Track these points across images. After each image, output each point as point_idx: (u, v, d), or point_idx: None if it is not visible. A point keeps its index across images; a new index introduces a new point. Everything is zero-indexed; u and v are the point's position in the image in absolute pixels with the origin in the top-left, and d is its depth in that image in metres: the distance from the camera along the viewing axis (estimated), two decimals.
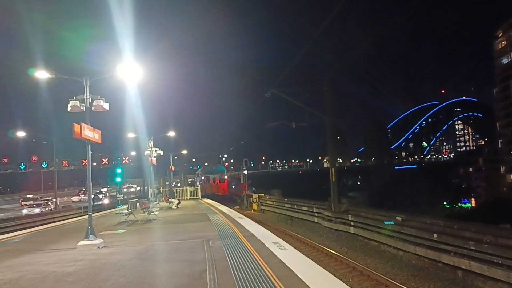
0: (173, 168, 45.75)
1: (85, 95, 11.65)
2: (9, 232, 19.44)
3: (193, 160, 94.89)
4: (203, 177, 61.86)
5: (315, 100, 28.26)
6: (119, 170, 37.49)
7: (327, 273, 7.76)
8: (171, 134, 38.26)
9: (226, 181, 58.73)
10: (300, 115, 26.38)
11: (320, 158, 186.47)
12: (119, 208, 24.83)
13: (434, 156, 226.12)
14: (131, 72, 12.16)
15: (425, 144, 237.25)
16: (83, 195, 62.70)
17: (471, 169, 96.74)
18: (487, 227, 12.99)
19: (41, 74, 11.83)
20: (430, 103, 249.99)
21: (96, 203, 41.29)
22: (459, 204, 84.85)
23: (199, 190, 42.61)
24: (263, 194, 39.28)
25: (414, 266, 14.27)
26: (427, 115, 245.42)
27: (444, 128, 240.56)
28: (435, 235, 13.70)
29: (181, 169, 68.92)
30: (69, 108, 11.58)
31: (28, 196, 61.51)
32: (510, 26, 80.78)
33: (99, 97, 11.83)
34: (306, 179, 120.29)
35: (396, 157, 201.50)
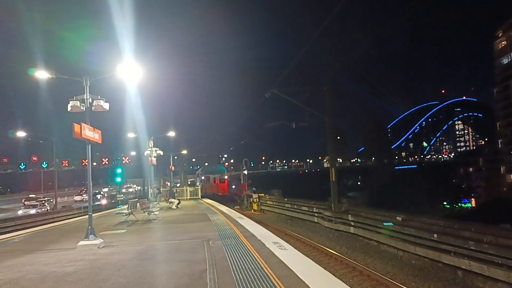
0: (173, 168, 45.77)
1: (85, 95, 11.65)
2: (9, 232, 19.42)
3: (193, 160, 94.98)
4: (203, 177, 61.85)
5: (315, 100, 28.28)
6: (119, 170, 37.52)
7: (327, 273, 7.76)
8: (171, 134, 38.28)
9: (226, 181, 58.73)
10: (300, 115, 26.41)
11: (320, 158, 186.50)
12: (119, 208, 24.83)
13: (434, 156, 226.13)
14: (131, 72, 12.17)
15: (425, 144, 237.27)
16: (85, 195, 62.59)
17: (471, 169, 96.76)
18: (487, 227, 12.98)
19: (41, 74, 11.83)
20: (430, 103, 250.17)
21: (95, 203, 41.15)
22: (459, 204, 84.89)
23: (199, 190, 42.64)
24: (263, 194, 39.28)
25: (414, 266, 14.27)
26: (427, 115, 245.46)
27: (444, 128, 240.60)
28: (435, 235, 13.69)
29: (181, 169, 68.96)
30: (69, 108, 11.58)
31: (30, 196, 61.42)
32: (510, 26, 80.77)
33: (99, 97, 11.83)
34: (306, 179, 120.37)
35: (396, 157, 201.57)
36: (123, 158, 52.18)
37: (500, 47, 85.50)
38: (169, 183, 48.98)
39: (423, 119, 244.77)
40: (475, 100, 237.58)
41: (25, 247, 12.24)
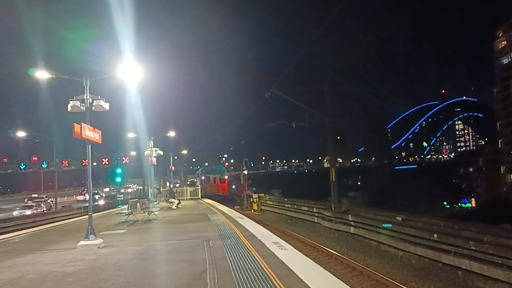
0: (173, 168, 45.82)
1: (85, 95, 11.66)
2: (9, 232, 19.43)
3: (193, 160, 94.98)
4: (203, 177, 61.85)
5: (315, 100, 28.29)
6: (119, 170, 37.49)
7: (327, 273, 7.77)
8: (171, 134, 38.33)
9: (226, 181, 58.74)
10: (300, 115, 26.42)
11: (320, 158, 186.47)
12: (119, 208, 24.84)
13: (434, 156, 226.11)
14: (131, 72, 12.18)
15: (425, 144, 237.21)
16: (87, 194, 62.38)
17: (471, 169, 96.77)
18: (487, 227, 12.98)
19: (41, 74, 11.84)
20: (430, 103, 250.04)
21: (93, 204, 40.97)
22: (459, 204, 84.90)
23: (199, 190, 42.64)
24: (263, 194, 39.29)
25: (414, 266, 14.26)
26: (427, 115, 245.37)
27: (444, 128, 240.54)
28: (435, 235, 13.69)
29: (181, 169, 69.01)
30: (69, 108, 11.58)
31: (33, 195, 61.42)
32: (510, 26, 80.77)
33: (99, 97, 11.84)
34: (306, 179, 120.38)
35: (396, 157, 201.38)
36: (123, 158, 52.20)
37: (500, 47, 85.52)
38: (169, 183, 49.04)
39: (423, 119, 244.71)
40: (475, 100, 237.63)
41: (25, 247, 12.24)
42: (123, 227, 16.39)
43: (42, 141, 44.47)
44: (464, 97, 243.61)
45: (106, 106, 11.99)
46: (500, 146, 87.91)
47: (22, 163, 48.79)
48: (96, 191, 64.33)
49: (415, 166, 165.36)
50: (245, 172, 48.19)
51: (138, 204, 20.06)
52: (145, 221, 18.26)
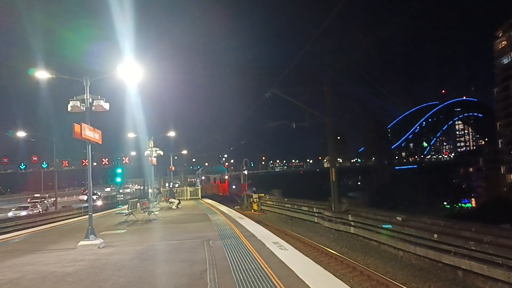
0: (173, 168, 45.81)
1: (85, 95, 11.65)
2: (9, 232, 19.45)
3: (193, 160, 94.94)
4: (203, 177, 61.87)
5: (315, 100, 28.30)
6: (119, 170, 37.51)
7: (327, 273, 7.77)
8: (171, 134, 38.32)
9: (226, 181, 58.76)
10: (300, 115, 26.43)
11: (320, 158, 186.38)
12: (119, 208, 24.84)
13: (434, 156, 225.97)
14: (131, 72, 12.18)
15: (425, 144, 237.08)
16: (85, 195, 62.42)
17: (471, 169, 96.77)
18: (488, 227, 12.98)
19: (41, 74, 11.84)
20: (430, 103, 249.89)
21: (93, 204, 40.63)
22: (459, 204, 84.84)
23: (199, 190, 42.64)
24: (263, 194, 39.30)
25: (415, 266, 14.27)
26: (427, 115, 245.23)
27: (444, 128, 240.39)
28: (435, 235, 13.69)
29: (181, 169, 69.01)
30: (69, 108, 11.58)
31: (35, 195, 61.42)
32: (510, 26, 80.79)
33: (99, 97, 11.83)
34: (306, 179, 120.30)
35: (396, 157, 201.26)
36: (123, 158, 52.22)
37: (500, 47, 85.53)
38: (170, 183, 49.03)
39: (423, 119, 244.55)
40: (475, 100, 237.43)
41: (26, 247, 12.24)
42: (123, 227, 16.39)
43: (42, 141, 44.48)
44: (464, 97, 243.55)
45: (106, 106, 11.99)
46: (500, 146, 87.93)
47: (22, 163, 48.77)
48: (94, 192, 64.29)
49: (415, 166, 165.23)
50: (245, 172, 48.19)
51: (138, 204, 20.06)
52: (145, 221, 18.26)
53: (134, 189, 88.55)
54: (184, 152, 54.83)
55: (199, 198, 39.78)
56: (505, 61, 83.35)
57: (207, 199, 38.69)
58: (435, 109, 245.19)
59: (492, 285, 11.12)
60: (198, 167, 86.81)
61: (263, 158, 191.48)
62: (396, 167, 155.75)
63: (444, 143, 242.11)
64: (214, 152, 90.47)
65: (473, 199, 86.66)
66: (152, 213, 19.65)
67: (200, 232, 13.65)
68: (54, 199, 44.92)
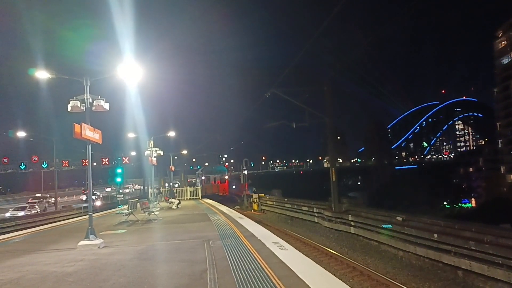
0: (173, 168, 45.80)
1: (85, 95, 11.65)
2: (9, 232, 19.44)
3: (193, 160, 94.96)
4: (203, 177, 61.87)
5: (315, 100, 28.28)
6: (119, 170, 37.56)
7: (327, 273, 7.77)
8: (171, 134, 38.30)
9: (226, 181, 58.76)
10: (300, 115, 26.43)
11: (320, 158, 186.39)
12: (120, 208, 24.85)
13: (434, 156, 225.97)
14: (131, 72, 12.18)
15: (425, 144, 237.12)
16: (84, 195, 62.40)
17: (471, 169, 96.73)
18: (488, 227, 12.99)
19: (41, 74, 11.84)
20: (430, 103, 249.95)
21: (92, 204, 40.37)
22: (459, 204, 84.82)
23: (199, 190, 42.63)
24: (263, 194, 39.30)
25: (415, 266, 14.27)
26: (427, 115, 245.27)
27: (444, 128, 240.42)
28: (435, 235, 13.69)
29: (181, 169, 69.01)
30: (69, 108, 11.58)
31: (37, 195, 61.45)
32: (510, 26, 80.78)
33: (99, 97, 11.83)
34: (306, 179, 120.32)
35: (396, 157, 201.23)
36: (123, 158, 52.24)
37: (500, 47, 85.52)
38: (170, 183, 49.03)
39: (423, 119, 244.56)
40: (475, 100, 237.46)
41: (26, 247, 12.24)
42: (123, 227, 16.39)
43: (42, 141, 44.48)
44: (464, 97, 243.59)
45: (106, 106, 11.99)
46: (500, 146, 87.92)
47: (22, 163, 48.81)
48: (94, 192, 64.25)
49: (415, 166, 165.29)
50: (245, 172, 48.20)
51: (138, 204, 20.07)
52: (145, 221, 18.26)
53: (133, 189, 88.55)
54: (184, 152, 54.82)
55: (199, 198, 39.78)
56: (505, 61, 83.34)
57: (207, 199, 38.69)
58: (435, 109, 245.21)
59: (492, 285, 11.12)
60: (198, 167, 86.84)
61: (263, 158, 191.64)
62: (396, 167, 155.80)
63: (444, 143, 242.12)
64: (214, 152, 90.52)
65: (473, 199, 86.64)
66: (152, 213, 19.65)
67: (200, 232, 13.65)
68: (55, 199, 44.87)
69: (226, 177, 60.23)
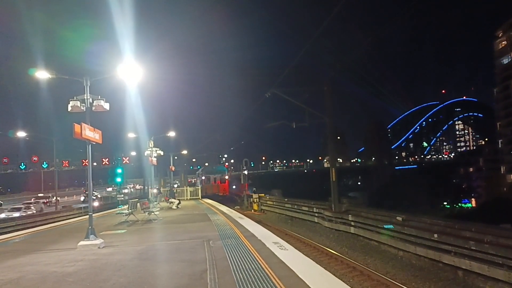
0: (173, 168, 45.78)
1: (85, 95, 11.65)
2: (9, 232, 19.44)
3: (193, 160, 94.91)
4: (203, 177, 61.87)
5: (315, 100, 28.31)
6: (119, 170, 37.57)
7: (327, 273, 7.76)
8: (171, 134, 38.29)
9: (227, 181, 58.76)
10: (300, 115, 26.43)
11: (320, 158, 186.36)
12: (120, 208, 24.85)
13: (435, 156, 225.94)
14: (132, 72, 12.18)
15: (425, 144, 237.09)
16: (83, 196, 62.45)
17: (471, 169, 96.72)
18: (488, 227, 12.99)
19: (42, 74, 11.84)
20: (430, 103, 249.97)
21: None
22: (460, 204, 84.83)
23: (199, 190, 42.63)
24: (263, 194, 39.30)
25: (415, 266, 14.27)
26: (427, 115, 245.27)
27: (444, 128, 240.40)
28: (435, 235, 13.69)
29: (181, 169, 68.96)
30: (69, 108, 11.58)
31: (39, 195, 61.49)
32: (510, 26, 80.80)
33: (99, 97, 11.83)
34: (306, 179, 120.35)
35: (396, 157, 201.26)
36: (123, 158, 52.25)
37: (500, 47, 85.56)
38: (169, 184, 49.02)
39: (423, 119, 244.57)
40: (475, 100, 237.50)
41: (26, 247, 12.24)
42: (123, 227, 16.39)
43: (42, 141, 44.49)
44: (464, 97, 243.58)
45: (106, 106, 11.99)
46: (500, 146, 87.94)
47: (22, 163, 48.83)
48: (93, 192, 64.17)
49: (415, 166, 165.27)
50: (245, 172, 48.18)
51: (138, 204, 20.07)
52: (145, 221, 18.26)
53: (132, 190, 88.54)
54: (184, 152, 54.80)
55: (199, 198, 39.77)
56: (505, 61, 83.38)
57: (207, 199, 38.69)
58: (435, 109, 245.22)
59: (492, 285, 11.12)
60: (198, 167, 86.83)
61: (263, 158, 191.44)
62: (396, 167, 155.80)
63: (444, 143, 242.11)
64: (214, 152, 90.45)
65: (473, 199, 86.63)
66: (152, 213, 19.65)
67: (200, 232, 13.65)
68: (55, 199, 44.87)
69: (226, 177, 60.22)
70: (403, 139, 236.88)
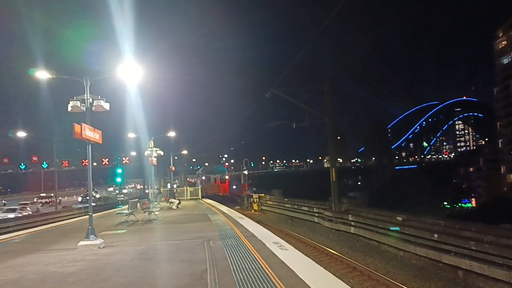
0: (173, 168, 45.79)
1: (85, 95, 11.65)
2: (10, 232, 19.46)
3: (194, 160, 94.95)
4: (203, 177, 61.87)
5: (315, 100, 28.29)
6: (119, 170, 37.59)
7: (327, 273, 7.76)
8: (171, 134, 38.30)
9: (227, 181, 58.76)
10: (300, 115, 26.45)
11: (320, 158, 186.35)
12: (120, 208, 24.86)
13: (435, 156, 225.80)
14: (132, 72, 12.18)
15: (425, 144, 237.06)
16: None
17: (471, 169, 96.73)
18: (488, 227, 12.98)
19: (42, 74, 11.85)
20: (430, 103, 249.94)
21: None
22: (460, 204, 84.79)
23: (200, 190, 42.63)
24: (263, 194, 39.30)
25: (415, 266, 14.27)
26: (427, 115, 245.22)
27: (444, 128, 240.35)
28: (435, 235, 13.69)
29: (181, 169, 68.98)
30: (69, 108, 11.58)
31: (41, 194, 61.51)
32: (510, 26, 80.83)
33: (99, 97, 11.83)
34: (306, 179, 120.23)
35: (396, 157, 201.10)
36: (123, 158, 52.30)
37: (500, 47, 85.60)
38: (169, 184, 49.06)
39: (423, 119, 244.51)
40: (475, 100, 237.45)
41: (26, 247, 12.24)
42: (124, 227, 16.39)
43: (42, 141, 44.54)
44: (464, 97, 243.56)
45: (106, 106, 11.99)
46: (500, 146, 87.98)
47: (22, 163, 48.91)
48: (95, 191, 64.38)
49: (415, 166, 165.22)
50: (245, 172, 48.18)
51: (138, 204, 20.08)
52: (146, 221, 18.26)
53: (131, 190, 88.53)
54: (184, 152, 54.82)
55: (199, 198, 39.77)
56: (505, 61, 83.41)
57: (207, 199, 38.69)
58: (435, 109, 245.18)
59: (492, 285, 11.12)
60: (198, 167, 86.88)
61: (263, 158, 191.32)
62: (396, 167, 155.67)
63: (444, 143, 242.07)
64: (214, 152, 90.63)
65: (473, 199, 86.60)
66: (152, 213, 19.65)
67: (200, 232, 13.65)
68: (55, 199, 44.89)
69: (226, 177, 60.23)
70: (403, 139, 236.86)
